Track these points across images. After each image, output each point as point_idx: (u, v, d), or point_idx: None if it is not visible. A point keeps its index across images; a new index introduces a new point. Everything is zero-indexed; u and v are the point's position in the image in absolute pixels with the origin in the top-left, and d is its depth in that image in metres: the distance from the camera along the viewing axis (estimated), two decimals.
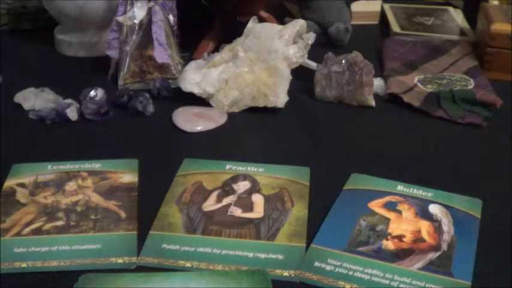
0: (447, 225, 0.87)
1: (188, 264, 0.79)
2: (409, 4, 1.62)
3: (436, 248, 0.83)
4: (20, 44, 1.38)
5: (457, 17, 1.55)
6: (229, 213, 0.89)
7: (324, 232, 0.85)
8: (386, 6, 1.58)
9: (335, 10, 1.41)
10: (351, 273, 0.78)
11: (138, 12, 1.19)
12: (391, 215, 0.89)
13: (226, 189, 0.93)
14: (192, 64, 1.19)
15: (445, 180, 0.97)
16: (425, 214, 0.89)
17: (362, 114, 1.16)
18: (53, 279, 0.77)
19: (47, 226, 0.85)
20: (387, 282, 0.77)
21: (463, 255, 0.82)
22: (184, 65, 1.20)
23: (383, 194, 0.93)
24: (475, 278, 0.78)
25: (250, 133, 1.10)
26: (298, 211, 0.89)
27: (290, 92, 1.15)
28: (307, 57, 1.19)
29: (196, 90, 1.14)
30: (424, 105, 1.17)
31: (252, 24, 1.19)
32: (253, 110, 1.14)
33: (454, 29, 1.50)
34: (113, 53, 1.21)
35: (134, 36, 1.20)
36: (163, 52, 1.19)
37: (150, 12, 1.19)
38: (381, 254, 0.82)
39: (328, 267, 0.79)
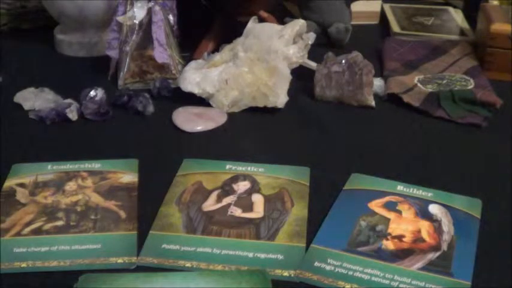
0: (447, 225, 0.87)
1: (188, 264, 0.79)
2: (409, 4, 1.62)
3: (436, 248, 0.83)
4: (20, 44, 1.38)
5: (457, 17, 1.55)
6: (229, 213, 0.89)
7: (324, 232, 0.85)
8: (386, 6, 1.59)
9: (335, 10, 1.41)
10: (350, 273, 0.78)
11: (138, 12, 1.19)
12: (391, 215, 0.89)
13: (226, 189, 0.93)
14: (192, 64, 1.18)
15: (445, 180, 0.97)
16: (425, 214, 0.89)
17: (362, 114, 1.16)
18: (53, 279, 0.77)
19: (47, 226, 0.85)
20: (387, 282, 0.77)
21: (463, 255, 0.82)
22: (184, 65, 1.20)
23: (383, 194, 0.93)
24: (475, 278, 0.78)
25: (250, 133, 1.10)
26: (298, 211, 0.89)
27: (290, 92, 1.15)
28: (307, 57, 1.19)
29: (196, 90, 1.14)
30: (424, 105, 1.16)
31: (252, 24, 1.19)
32: (253, 110, 1.14)
33: (454, 29, 1.50)
34: (113, 53, 1.21)
35: (134, 36, 1.20)
36: (163, 52, 1.19)
37: (150, 12, 1.19)
38: (380, 254, 0.82)
39: (328, 267, 0.79)
